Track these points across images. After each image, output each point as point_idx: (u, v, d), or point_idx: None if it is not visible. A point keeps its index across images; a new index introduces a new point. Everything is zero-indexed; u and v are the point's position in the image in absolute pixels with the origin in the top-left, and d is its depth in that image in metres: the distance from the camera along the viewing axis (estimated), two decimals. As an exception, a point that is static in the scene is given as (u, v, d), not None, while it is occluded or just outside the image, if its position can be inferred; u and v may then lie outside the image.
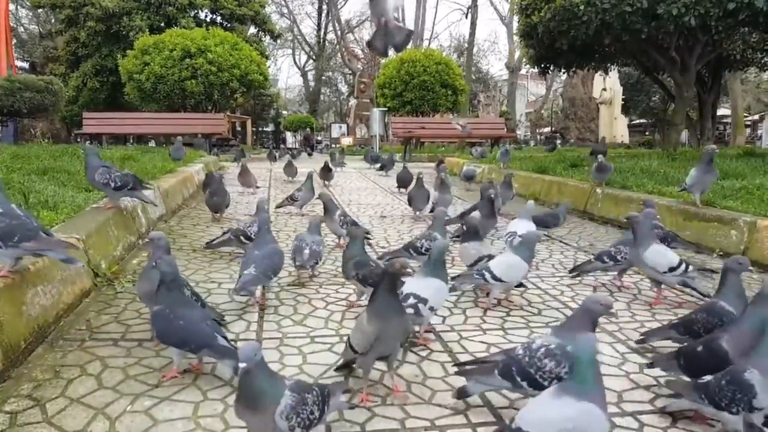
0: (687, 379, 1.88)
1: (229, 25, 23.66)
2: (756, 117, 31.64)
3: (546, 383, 1.61)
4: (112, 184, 3.55)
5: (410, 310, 2.15)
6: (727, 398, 1.58)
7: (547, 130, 32.87)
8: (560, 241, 4.47)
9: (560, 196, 6.22)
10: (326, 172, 7.65)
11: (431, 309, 2.25)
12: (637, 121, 30.68)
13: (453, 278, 2.72)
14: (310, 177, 5.40)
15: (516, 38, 15.93)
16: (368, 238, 3.96)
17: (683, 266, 2.79)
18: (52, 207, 3.45)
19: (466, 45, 32.66)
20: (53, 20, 27.76)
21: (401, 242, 4.29)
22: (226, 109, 18.95)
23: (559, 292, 3.09)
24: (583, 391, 1.37)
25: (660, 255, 2.83)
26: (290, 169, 8.17)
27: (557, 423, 1.37)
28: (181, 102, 17.23)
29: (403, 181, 6.87)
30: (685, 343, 2.06)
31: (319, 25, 40.52)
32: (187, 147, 9.25)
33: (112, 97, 22.72)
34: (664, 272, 2.81)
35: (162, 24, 21.70)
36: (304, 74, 45.00)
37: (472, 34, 26.04)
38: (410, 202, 5.31)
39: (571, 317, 1.73)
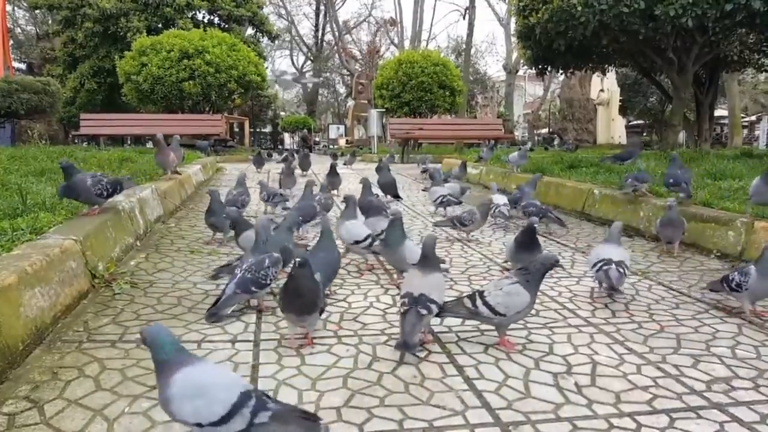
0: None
1: (226, 26, 23.66)
2: (753, 118, 31.73)
3: None
4: (105, 194, 3.54)
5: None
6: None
7: (545, 131, 32.90)
8: (558, 242, 4.48)
9: (558, 198, 6.23)
10: (333, 178, 6.75)
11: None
12: (635, 122, 30.75)
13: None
14: (309, 186, 4.58)
15: (514, 39, 15.93)
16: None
17: (368, 240, 3.34)
18: (49, 208, 3.45)
19: (463, 46, 32.69)
20: (50, 21, 27.74)
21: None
22: (223, 110, 18.95)
23: (557, 293, 3.10)
24: None
25: (346, 230, 3.40)
26: (289, 179, 6.58)
27: None
28: (179, 103, 17.22)
29: (386, 187, 6.25)
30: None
31: (316, 26, 40.58)
32: (185, 148, 9.20)
33: (109, 98, 22.70)
34: (351, 244, 3.40)
35: (159, 25, 21.70)
36: (302, 75, 45.00)
37: (470, 35, 26.04)
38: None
39: None
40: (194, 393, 1.41)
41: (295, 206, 4.22)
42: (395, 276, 3.38)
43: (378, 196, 5.06)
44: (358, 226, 3.46)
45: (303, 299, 2.19)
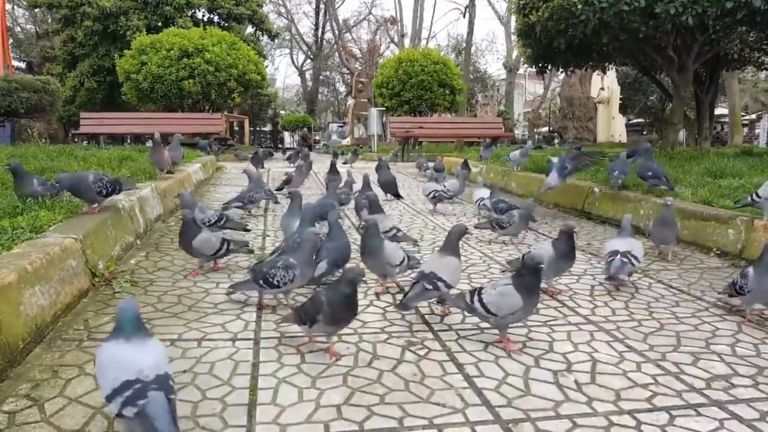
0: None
1: (226, 24, 23.61)
2: (753, 116, 31.70)
3: None
4: (105, 192, 3.54)
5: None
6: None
7: (545, 129, 32.89)
8: (558, 240, 4.48)
9: (557, 196, 6.23)
10: (333, 176, 6.58)
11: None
12: (635, 121, 30.71)
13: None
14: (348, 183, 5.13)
15: (514, 37, 15.92)
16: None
17: (224, 247, 3.26)
18: (49, 207, 3.45)
19: (463, 44, 32.66)
20: (50, 20, 27.69)
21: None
22: (223, 108, 18.92)
23: (557, 290, 3.10)
24: None
25: (288, 227, 3.50)
26: (299, 178, 6.64)
27: None
28: (179, 102, 17.18)
29: (386, 186, 6.24)
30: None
31: (316, 24, 40.51)
32: (186, 147, 9.15)
33: (109, 96, 22.65)
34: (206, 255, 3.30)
35: (159, 24, 21.65)
36: (301, 74, 44.98)
37: (470, 33, 25.95)
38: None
39: None
40: (99, 370, 1.55)
41: (320, 201, 4.43)
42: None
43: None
44: (207, 236, 3.37)
45: (354, 312, 2.19)
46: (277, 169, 10.31)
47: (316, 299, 2.17)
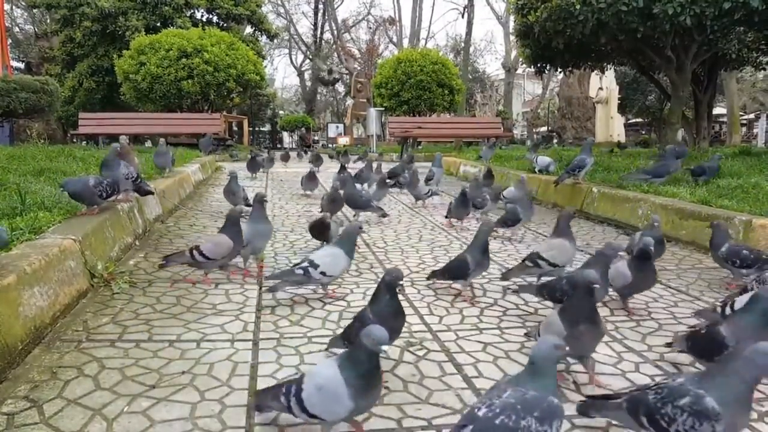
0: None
1: (225, 24, 23.62)
2: (752, 116, 31.74)
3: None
4: (104, 195, 3.55)
5: None
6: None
7: (543, 129, 32.94)
8: (557, 241, 4.49)
9: (556, 196, 6.24)
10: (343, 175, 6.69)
11: None
12: (634, 120, 30.75)
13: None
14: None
15: (512, 38, 15.93)
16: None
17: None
18: (48, 208, 3.45)
19: (462, 44, 32.67)
20: (49, 20, 27.67)
21: (398, 241, 4.30)
22: (222, 109, 18.92)
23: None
24: None
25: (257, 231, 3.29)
26: (311, 183, 6.83)
27: None
28: (178, 102, 17.19)
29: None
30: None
31: (315, 24, 40.46)
32: (187, 147, 9.04)
33: (108, 97, 22.64)
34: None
35: (158, 24, 21.65)
36: (300, 74, 44.95)
37: (469, 33, 25.99)
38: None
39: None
40: None
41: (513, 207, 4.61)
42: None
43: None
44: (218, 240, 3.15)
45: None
46: (275, 169, 10.29)
47: (362, 317, 2.00)
